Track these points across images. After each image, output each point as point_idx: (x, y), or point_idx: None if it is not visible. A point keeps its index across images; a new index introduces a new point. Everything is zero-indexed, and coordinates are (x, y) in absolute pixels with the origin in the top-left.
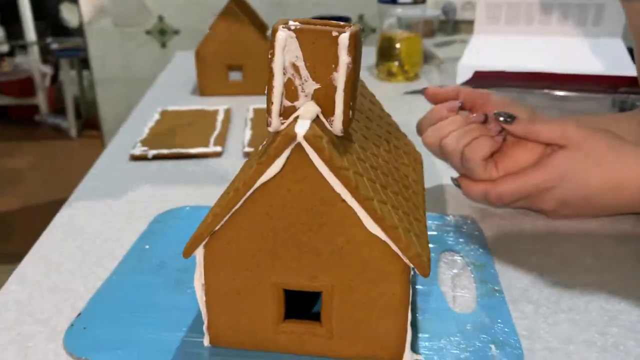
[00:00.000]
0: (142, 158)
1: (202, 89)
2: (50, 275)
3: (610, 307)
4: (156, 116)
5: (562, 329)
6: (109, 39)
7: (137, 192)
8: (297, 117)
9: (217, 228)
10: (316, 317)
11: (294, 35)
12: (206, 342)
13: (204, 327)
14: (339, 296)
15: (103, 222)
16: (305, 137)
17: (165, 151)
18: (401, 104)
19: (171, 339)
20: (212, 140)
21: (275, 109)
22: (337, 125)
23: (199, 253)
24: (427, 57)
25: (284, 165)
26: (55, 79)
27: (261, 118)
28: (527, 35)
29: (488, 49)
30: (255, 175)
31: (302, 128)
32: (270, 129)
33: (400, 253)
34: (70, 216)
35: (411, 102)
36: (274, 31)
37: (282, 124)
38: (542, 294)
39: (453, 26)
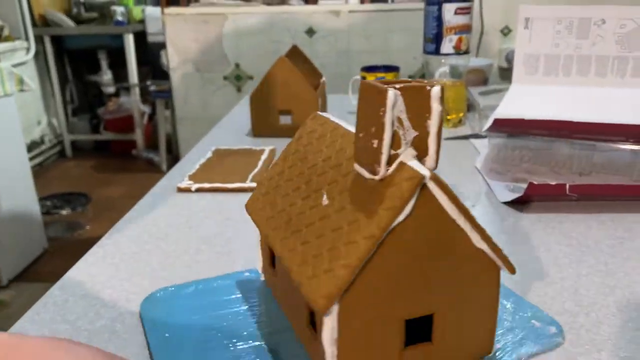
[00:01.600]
0: (187, 190)
1: (255, 130)
2: (85, 285)
3: None
4: (209, 154)
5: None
6: (191, 82)
7: (174, 219)
8: (401, 162)
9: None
10: (423, 337)
11: (399, 93)
12: None
13: None
14: (449, 313)
15: (139, 244)
16: (431, 177)
17: (206, 185)
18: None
19: None
20: (250, 176)
21: (384, 158)
22: (430, 164)
23: (333, 310)
24: (471, 105)
25: (413, 206)
26: (152, 117)
27: None
28: (565, 86)
29: (524, 99)
30: (389, 221)
31: (424, 170)
32: (378, 177)
33: (496, 258)
34: (115, 238)
35: (452, 146)
36: (383, 91)
37: (387, 170)
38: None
39: None
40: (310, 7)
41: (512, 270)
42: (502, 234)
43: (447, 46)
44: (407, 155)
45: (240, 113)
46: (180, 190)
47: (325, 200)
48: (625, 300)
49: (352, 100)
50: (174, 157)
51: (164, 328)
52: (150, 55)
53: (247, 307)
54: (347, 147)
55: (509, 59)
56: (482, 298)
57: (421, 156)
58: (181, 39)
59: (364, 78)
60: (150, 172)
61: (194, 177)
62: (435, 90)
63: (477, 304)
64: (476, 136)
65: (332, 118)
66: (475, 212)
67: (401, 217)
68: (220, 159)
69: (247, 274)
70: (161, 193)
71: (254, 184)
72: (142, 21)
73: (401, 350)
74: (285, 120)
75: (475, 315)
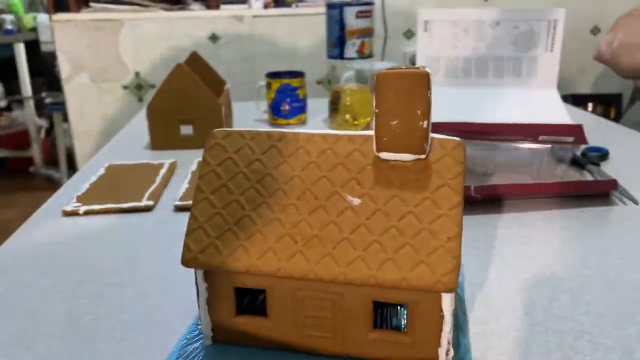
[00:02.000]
0: (73, 214)
1: (154, 143)
2: None
3: None
4: (101, 171)
5: None
6: (86, 93)
7: (56, 247)
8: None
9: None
10: None
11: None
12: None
13: None
14: None
15: (7, 283)
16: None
17: (96, 207)
18: None
19: None
20: (147, 194)
21: (430, 137)
22: None
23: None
24: None
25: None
26: (50, 131)
27: None
28: (466, 88)
29: None
30: (461, 184)
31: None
32: (424, 155)
33: None
34: None
35: None
36: (425, 74)
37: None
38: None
39: None
40: (212, 12)
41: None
42: None
43: (350, 50)
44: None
45: (139, 125)
46: (66, 214)
47: (355, 201)
48: (531, 302)
49: (260, 106)
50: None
51: None
52: (44, 65)
53: None
54: (338, 149)
55: (413, 61)
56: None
57: None
58: (73, 47)
59: (269, 84)
60: (51, 190)
61: (82, 198)
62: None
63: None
64: None
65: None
66: None
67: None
68: (113, 176)
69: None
70: (44, 218)
71: (150, 202)
72: (34, 29)
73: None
74: (186, 130)
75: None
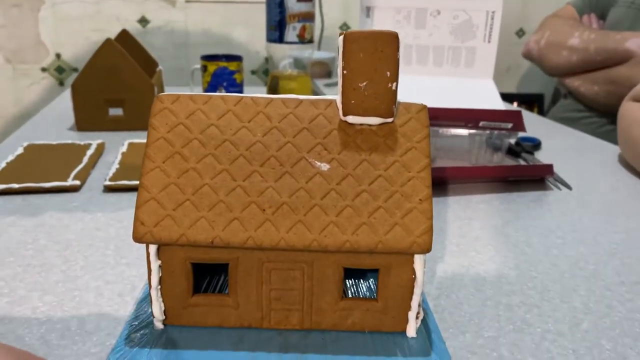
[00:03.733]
0: None
1: (79, 124)
2: None
3: None
4: (20, 150)
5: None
6: (0, 75)
7: None
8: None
9: None
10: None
11: None
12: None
13: None
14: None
15: None
16: None
17: (15, 185)
18: None
19: None
20: (72, 174)
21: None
22: None
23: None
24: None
25: None
26: None
27: (134, 152)
28: (405, 75)
29: None
30: (428, 146)
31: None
32: (391, 118)
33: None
34: None
35: None
36: (395, 35)
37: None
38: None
39: None
40: None
41: None
42: None
43: (291, 34)
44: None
45: (61, 105)
46: None
47: (323, 166)
48: (480, 279)
49: (194, 91)
50: None
51: None
52: None
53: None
54: (300, 114)
55: None
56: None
57: None
58: None
59: (204, 67)
60: None
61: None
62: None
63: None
64: None
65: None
66: None
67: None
68: (34, 155)
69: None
70: None
71: (77, 182)
72: None
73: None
74: (115, 112)
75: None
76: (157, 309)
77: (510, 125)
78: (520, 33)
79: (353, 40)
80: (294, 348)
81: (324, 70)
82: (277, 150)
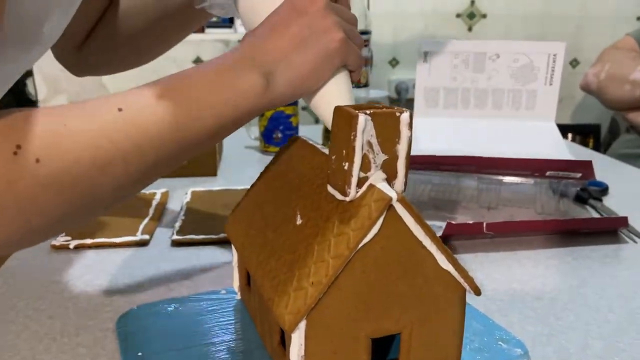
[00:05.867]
0: (63, 248)
1: None
2: None
3: None
4: None
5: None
6: None
7: (51, 284)
8: (371, 185)
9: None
10: (390, 355)
11: (369, 118)
12: None
13: None
14: (415, 332)
15: (5, 324)
16: (398, 199)
17: (88, 241)
18: None
19: None
20: (141, 227)
21: (354, 181)
22: (399, 186)
23: (300, 327)
24: None
25: (380, 226)
26: None
27: (198, 201)
28: (464, 119)
29: (426, 132)
30: (358, 241)
31: (392, 192)
32: (348, 198)
33: (462, 280)
34: None
35: None
36: (353, 116)
37: (357, 192)
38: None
39: (405, 104)
40: (197, 36)
41: (477, 291)
42: None
43: None
44: (376, 178)
45: None
46: (54, 248)
47: (299, 219)
48: (564, 350)
49: (251, 133)
50: None
51: (138, 346)
52: (16, 82)
53: (223, 325)
54: (323, 167)
55: (399, 89)
56: (448, 318)
57: (390, 179)
58: (49, 66)
59: None
60: None
61: (73, 232)
62: (405, 116)
63: (443, 324)
64: None
65: (311, 141)
66: None
67: (369, 237)
68: None
69: (223, 292)
70: (31, 252)
71: (146, 237)
72: None
73: None
74: None
75: (441, 335)
76: None
77: (579, 175)
78: (574, 63)
79: (335, 114)
80: None
81: None
82: (295, 195)
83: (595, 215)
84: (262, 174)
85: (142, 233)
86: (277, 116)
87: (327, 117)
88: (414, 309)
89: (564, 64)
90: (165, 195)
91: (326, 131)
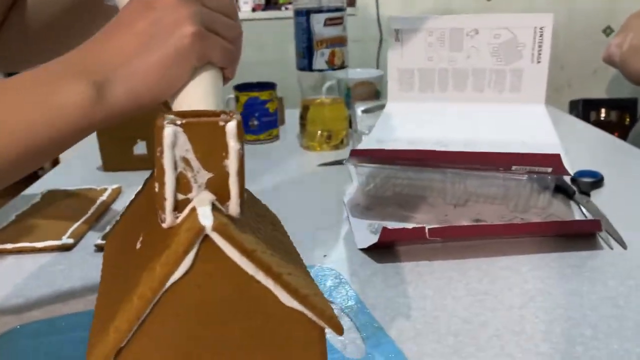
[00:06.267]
0: None
1: (106, 164)
2: None
3: None
4: (36, 199)
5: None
6: None
7: None
8: (193, 208)
9: (123, 345)
10: None
11: (181, 129)
12: None
13: None
14: None
15: None
16: (215, 228)
17: (9, 246)
18: (315, 177)
19: None
20: (70, 230)
21: (168, 204)
22: (233, 208)
23: None
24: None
25: (193, 261)
26: None
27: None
28: (442, 103)
29: (400, 119)
30: (164, 279)
31: (207, 219)
32: (165, 225)
33: (316, 319)
34: None
35: (326, 174)
36: (159, 128)
37: (177, 217)
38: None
39: None
40: None
41: (339, 331)
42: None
43: (319, 61)
44: (201, 200)
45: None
46: None
47: (138, 243)
48: None
49: None
50: None
51: None
52: None
53: None
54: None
55: None
56: None
57: (223, 200)
58: None
59: (237, 98)
60: None
61: (2, 234)
62: (231, 126)
63: None
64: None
65: None
66: (324, 262)
67: (178, 274)
68: (46, 205)
69: None
70: None
71: (70, 241)
72: None
73: None
74: (139, 149)
75: None
76: None
77: (550, 170)
78: (608, 31)
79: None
80: None
81: (370, 91)
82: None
83: (578, 213)
84: (147, 180)
85: (69, 237)
86: (251, 102)
87: None
88: (257, 355)
89: (558, 36)
90: (116, 192)
91: (302, 118)
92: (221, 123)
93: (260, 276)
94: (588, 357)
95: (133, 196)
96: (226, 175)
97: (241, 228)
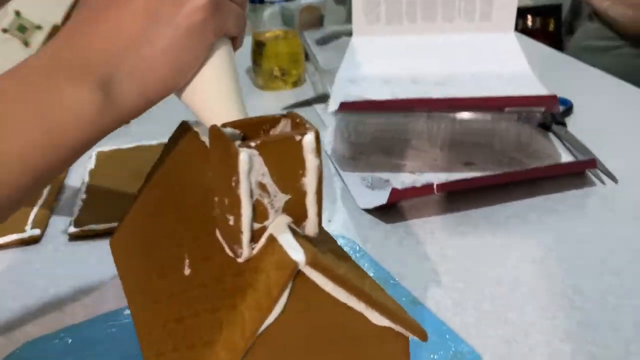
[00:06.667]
0: None
1: None
2: None
3: None
4: None
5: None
6: None
7: None
8: (271, 237)
9: None
10: None
11: (256, 152)
12: None
13: None
14: None
15: None
16: (308, 262)
17: None
18: None
19: None
20: (30, 219)
21: (245, 238)
22: (311, 228)
23: None
24: (308, 56)
25: (286, 303)
26: None
27: (103, 168)
28: (411, 35)
29: (366, 56)
30: (255, 326)
31: (297, 252)
32: (240, 259)
33: (403, 330)
34: None
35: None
36: (233, 155)
37: (253, 248)
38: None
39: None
40: None
41: (423, 337)
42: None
43: None
44: (278, 226)
45: None
46: None
47: (187, 268)
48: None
49: None
50: None
51: None
52: None
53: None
54: (212, 186)
55: None
56: None
57: (299, 221)
58: None
59: None
60: None
61: None
62: (309, 139)
63: None
64: (321, 99)
65: (203, 135)
66: (330, 228)
67: (271, 319)
68: None
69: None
70: None
71: (37, 231)
72: None
73: None
74: None
75: None
76: None
77: (542, 109)
78: None
79: (211, 134)
80: None
81: (315, 17)
82: (182, 225)
83: (560, 146)
84: (149, 175)
85: (33, 227)
86: None
87: (207, 118)
88: None
89: None
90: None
91: (255, 54)
92: (297, 137)
93: (353, 301)
94: (618, 312)
95: (89, 162)
96: (304, 194)
97: (323, 251)
